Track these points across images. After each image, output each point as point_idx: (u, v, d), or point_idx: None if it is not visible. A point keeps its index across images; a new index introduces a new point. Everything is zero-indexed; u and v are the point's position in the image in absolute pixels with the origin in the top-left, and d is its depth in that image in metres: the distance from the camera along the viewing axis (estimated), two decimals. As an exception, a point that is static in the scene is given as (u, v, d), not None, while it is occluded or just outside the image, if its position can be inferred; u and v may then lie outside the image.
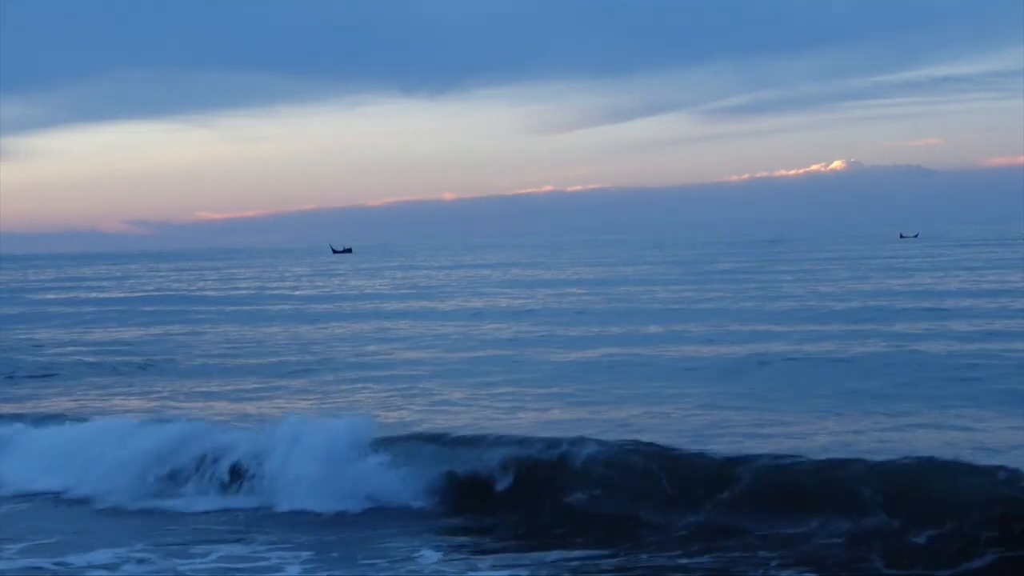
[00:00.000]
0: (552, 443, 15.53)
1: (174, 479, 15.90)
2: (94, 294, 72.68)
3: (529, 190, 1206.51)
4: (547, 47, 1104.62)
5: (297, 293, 68.21)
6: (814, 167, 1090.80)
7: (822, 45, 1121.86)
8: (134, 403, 23.19)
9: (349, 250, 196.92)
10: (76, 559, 12.83)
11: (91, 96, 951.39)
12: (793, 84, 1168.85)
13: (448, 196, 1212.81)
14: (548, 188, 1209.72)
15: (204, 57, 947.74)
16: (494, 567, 12.21)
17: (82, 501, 15.76)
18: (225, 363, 30.32)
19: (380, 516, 14.55)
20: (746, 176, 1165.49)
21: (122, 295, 70.81)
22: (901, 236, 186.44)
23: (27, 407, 22.46)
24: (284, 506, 14.85)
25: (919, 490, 12.89)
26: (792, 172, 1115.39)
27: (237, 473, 15.65)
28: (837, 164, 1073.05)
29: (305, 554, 12.86)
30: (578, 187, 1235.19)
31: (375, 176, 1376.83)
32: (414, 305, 52.75)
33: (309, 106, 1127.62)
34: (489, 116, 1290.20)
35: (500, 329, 37.77)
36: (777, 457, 14.41)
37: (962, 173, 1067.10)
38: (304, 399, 22.84)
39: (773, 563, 11.88)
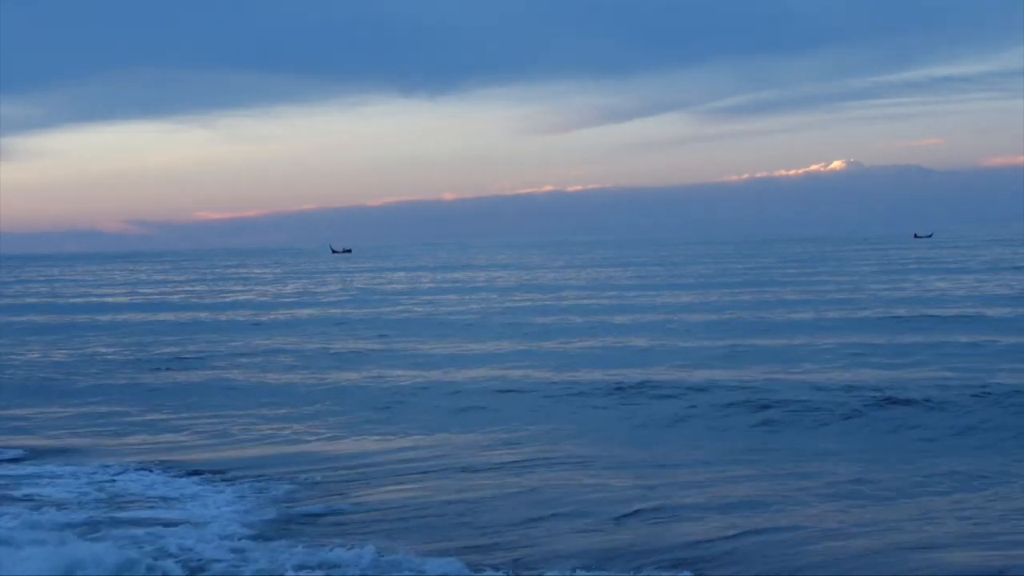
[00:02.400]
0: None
1: None
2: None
3: (529, 190, 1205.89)
4: (547, 47, 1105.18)
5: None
6: (814, 167, 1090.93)
7: (822, 45, 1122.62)
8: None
9: (349, 251, 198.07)
10: None
11: (91, 96, 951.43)
12: (793, 84, 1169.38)
13: (448, 196, 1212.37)
14: (548, 188, 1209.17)
15: (204, 57, 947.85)
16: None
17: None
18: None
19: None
20: (746, 176, 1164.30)
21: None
22: (916, 236, 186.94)
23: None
24: None
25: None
26: (792, 172, 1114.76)
27: None
28: (837, 164, 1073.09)
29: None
30: (578, 187, 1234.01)
31: (375, 176, 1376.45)
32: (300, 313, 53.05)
33: (309, 106, 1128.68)
34: (489, 116, 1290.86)
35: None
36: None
37: (962, 173, 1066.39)
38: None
39: None
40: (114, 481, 16.79)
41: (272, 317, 51.48)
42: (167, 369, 31.76)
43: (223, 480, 16.54)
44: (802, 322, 39.52)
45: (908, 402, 21.73)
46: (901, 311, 41.60)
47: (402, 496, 15.15)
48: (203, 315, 53.55)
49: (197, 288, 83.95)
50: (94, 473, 17.39)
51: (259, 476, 16.59)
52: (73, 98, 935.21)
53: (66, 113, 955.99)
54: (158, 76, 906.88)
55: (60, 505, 15.24)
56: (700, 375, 26.87)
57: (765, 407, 21.67)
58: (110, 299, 70.85)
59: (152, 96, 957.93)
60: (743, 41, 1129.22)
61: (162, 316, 53.87)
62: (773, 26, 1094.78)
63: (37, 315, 56.23)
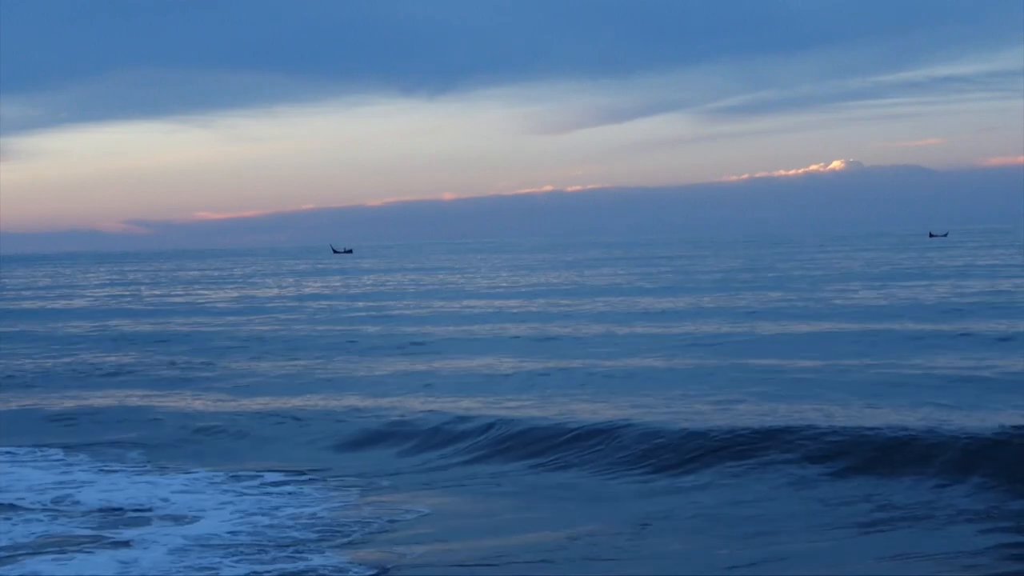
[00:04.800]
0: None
1: None
2: None
3: (529, 190, 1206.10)
4: (547, 47, 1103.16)
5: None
6: (813, 167, 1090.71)
7: (822, 45, 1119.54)
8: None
9: (350, 251, 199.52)
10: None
11: (91, 96, 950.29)
12: (793, 84, 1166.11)
13: (448, 196, 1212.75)
14: (548, 188, 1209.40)
15: (204, 57, 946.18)
16: None
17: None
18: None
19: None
20: (746, 176, 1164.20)
21: None
22: (931, 235, 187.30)
23: None
24: None
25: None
26: (792, 172, 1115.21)
27: None
28: (836, 164, 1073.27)
29: None
30: (578, 187, 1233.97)
31: (375, 176, 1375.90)
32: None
33: (309, 106, 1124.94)
34: (489, 116, 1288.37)
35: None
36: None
37: (962, 173, 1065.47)
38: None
39: None
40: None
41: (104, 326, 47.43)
42: None
43: None
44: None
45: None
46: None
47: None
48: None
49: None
50: None
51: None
52: (73, 98, 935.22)
53: (66, 113, 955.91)
54: (158, 76, 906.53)
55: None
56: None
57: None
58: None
59: (152, 96, 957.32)
60: (743, 41, 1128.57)
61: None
62: (773, 26, 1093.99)
63: None
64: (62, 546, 13.38)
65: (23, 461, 18.89)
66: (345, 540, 13.47)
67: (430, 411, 21.60)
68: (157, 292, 78.14)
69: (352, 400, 23.46)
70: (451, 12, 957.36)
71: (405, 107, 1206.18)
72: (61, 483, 17.01)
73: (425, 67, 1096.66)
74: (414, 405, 22.40)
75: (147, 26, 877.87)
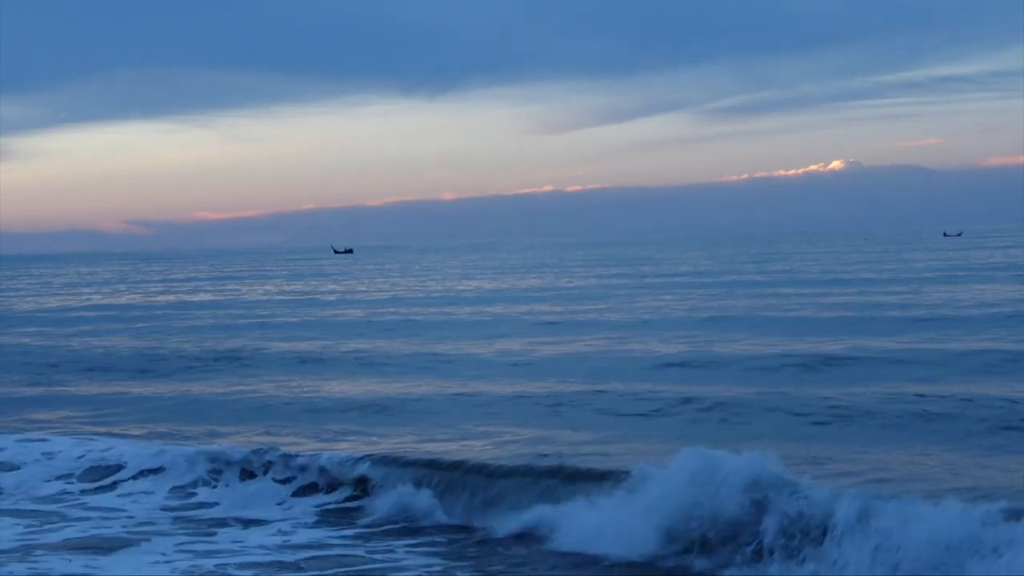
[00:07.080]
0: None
1: None
2: None
3: (529, 190, 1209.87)
4: (547, 47, 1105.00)
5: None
6: (813, 167, 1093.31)
7: (822, 45, 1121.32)
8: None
9: (350, 251, 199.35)
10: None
11: (91, 96, 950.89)
12: (793, 84, 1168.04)
13: (448, 196, 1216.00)
14: (548, 188, 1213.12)
15: (204, 57, 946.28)
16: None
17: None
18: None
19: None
20: (745, 176, 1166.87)
21: None
22: (945, 235, 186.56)
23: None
24: None
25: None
26: (791, 172, 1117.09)
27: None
28: (836, 164, 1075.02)
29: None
30: (578, 187, 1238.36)
31: (375, 176, 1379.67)
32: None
33: (309, 106, 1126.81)
34: (489, 116, 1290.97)
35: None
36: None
37: (962, 173, 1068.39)
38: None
39: None
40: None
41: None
42: None
43: None
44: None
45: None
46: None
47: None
48: None
49: None
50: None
51: None
52: (73, 98, 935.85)
53: (66, 113, 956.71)
54: (158, 76, 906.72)
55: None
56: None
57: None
58: None
59: (152, 96, 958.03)
60: (743, 41, 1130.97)
61: None
62: (773, 26, 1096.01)
63: None
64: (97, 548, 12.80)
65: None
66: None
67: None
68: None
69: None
70: (451, 12, 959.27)
71: (405, 107, 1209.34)
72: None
73: (425, 67, 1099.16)
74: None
75: (147, 26, 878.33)
